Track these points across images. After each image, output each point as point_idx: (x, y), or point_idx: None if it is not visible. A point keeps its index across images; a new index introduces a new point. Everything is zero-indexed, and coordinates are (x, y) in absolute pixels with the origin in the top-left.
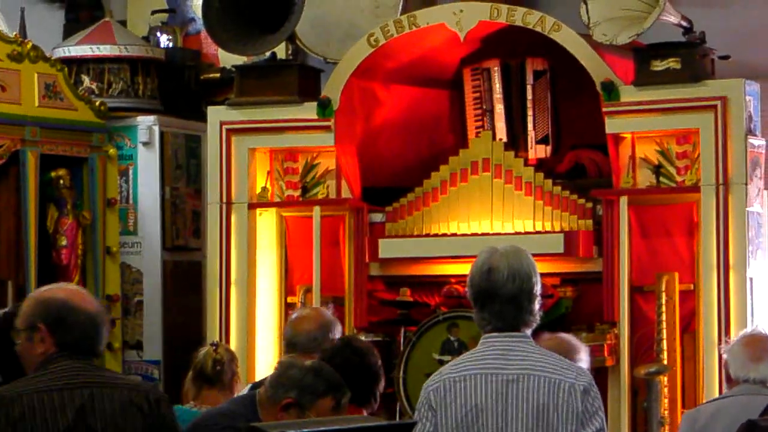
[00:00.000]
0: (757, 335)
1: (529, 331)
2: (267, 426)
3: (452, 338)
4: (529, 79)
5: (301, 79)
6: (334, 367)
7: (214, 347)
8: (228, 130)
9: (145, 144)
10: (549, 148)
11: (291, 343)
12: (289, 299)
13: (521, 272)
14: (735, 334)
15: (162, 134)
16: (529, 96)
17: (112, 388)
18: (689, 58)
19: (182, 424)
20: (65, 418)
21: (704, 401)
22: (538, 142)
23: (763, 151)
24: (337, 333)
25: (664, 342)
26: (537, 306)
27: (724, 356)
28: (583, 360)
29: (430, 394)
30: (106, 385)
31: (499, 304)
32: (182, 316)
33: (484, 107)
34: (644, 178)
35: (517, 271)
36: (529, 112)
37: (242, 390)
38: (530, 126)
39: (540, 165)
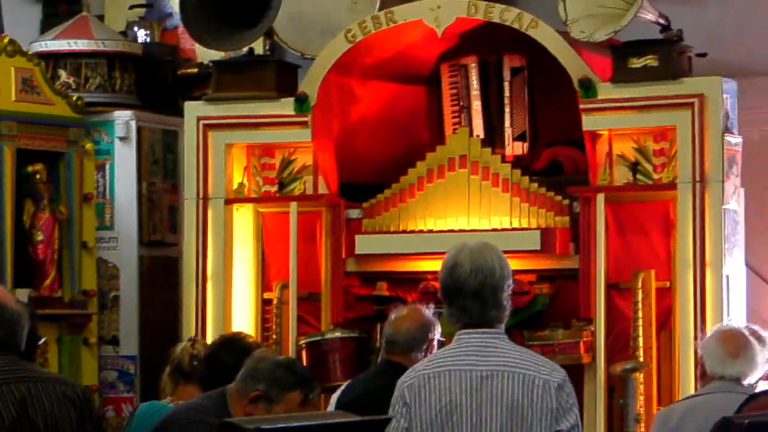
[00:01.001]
0: (732, 331)
1: (503, 327)
2: (241, 421)
3: None
4: (507, 75)
5: (278, 74)
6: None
7: (191, 342)
8: (205, 126)
9: (122, 139)
10: (526, 144)
11: (391, 342)
12: (266, 295)
13: (485, 268)
14: (710, 331)
15: (139, 129)
16: (507, 93)
17: (46, 382)
18: (666, 55)
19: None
20: (9, 412)
21: (679, 398)
22: (515, 139)
23: (740, 149)
24: (436, 333)
25: (641, 339)
26: (505, 302)
27: (699, 352)
28: None
29: (405, 390)
30: (40, 379)
31: (463, 299)
32: (158, 312)
33: (462, 104)
34: (621, 176)
35: (481, 266)
36: (507, 109)
37: None
38: (507, 123)
39: (517, 162)
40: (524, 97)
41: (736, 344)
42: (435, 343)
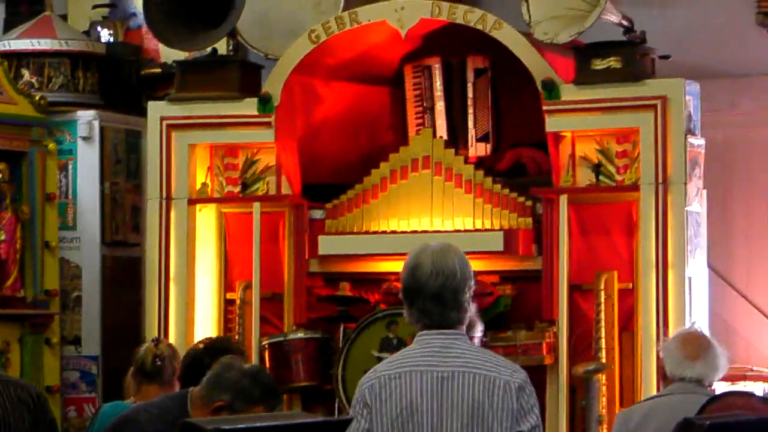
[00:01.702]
0: (693, 333)
1: (464, 329)
2: (202, 422)
3: (391, 335)
4: (470, 76)
5: (241, 75)
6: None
7: (155, 343)
8: (168, 126)
9: (85, 139)
10: (489, 146)
11: None
12: (229, 295)
13: (445, 269)
14: (672, 333)
15: (102, 129)
16: (470, 94)
17: (2, 384)
18: (630, 57)
19: None
20: None
21: (641, 400)
22: (478, 140)
23: (703, 151)
24: (478, 332)
25: (603, 340)
26: (466, 303)
27: (660, 354)
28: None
29: (365, 391)
30: None
31: (423, 300)
32: (121, 312)
33: (425, 105)
34: (584, 177)
35: (441, 268)
36: (470, 110)
37: None
38: (471, 124)
39: (480, 163)
40: (488, 99)
41: (696, 347)
42: (476, 341)
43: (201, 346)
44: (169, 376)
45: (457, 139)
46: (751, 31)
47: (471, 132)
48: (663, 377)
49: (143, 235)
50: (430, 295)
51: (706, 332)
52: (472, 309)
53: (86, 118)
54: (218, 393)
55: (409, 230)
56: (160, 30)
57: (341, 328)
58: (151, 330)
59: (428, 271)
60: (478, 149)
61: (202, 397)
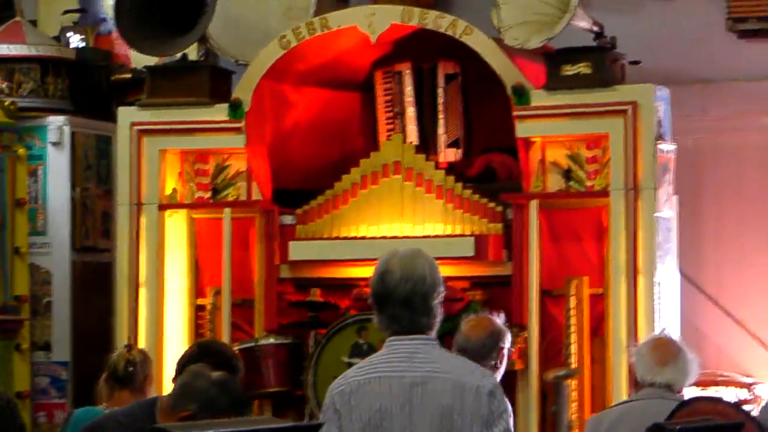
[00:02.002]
0: (663, 339)
1: (434, 334)
2: (172, 427)
3: (361, 341)
4: (441, 82)
5: (212, 80)
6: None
7: (127, 349)
8: (139, 131)
9: (55, 144)
10: (460, 151)
11: (462, 349)
12: (199, 301)
13: (414, 275)
14: (643, 339)
15: (72, 134)
16: (441, 99)
17: None
18: (600, 63)
19: None
20: None
21: (611, 405)
22: (448, 146)
23: (673, 156)
24: (507, 342)
25: (573, 346)
26: (435, 309)
27: (631, 359)
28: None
29: (336, 397)
30: None
31: (392, 306)
32: (91, 318)
33: (396, 110)
34: (554, 183)
35: (411, 273)
36: (440, 116)
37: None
38: (441, 129)
39: (451, 168)
40: (458, 104)
41: (667, 352)
42: (505, 351)
43: (195, 348)
44: (141, 382)
45: (427, 144)
46: (721, 37)
47: (441, 137)
48: (634, 383)
49: (113, 240)
50: (399, 301)
51: (677, 338)
52: (501, 318)
53: (56, 124)
54: (185, 402)
55: (379, 236)
56: (130, 35)
57: (312, 334)
58: (122, 336)
59: (397, 277)
60: (448, 155)
61: (170, 405)
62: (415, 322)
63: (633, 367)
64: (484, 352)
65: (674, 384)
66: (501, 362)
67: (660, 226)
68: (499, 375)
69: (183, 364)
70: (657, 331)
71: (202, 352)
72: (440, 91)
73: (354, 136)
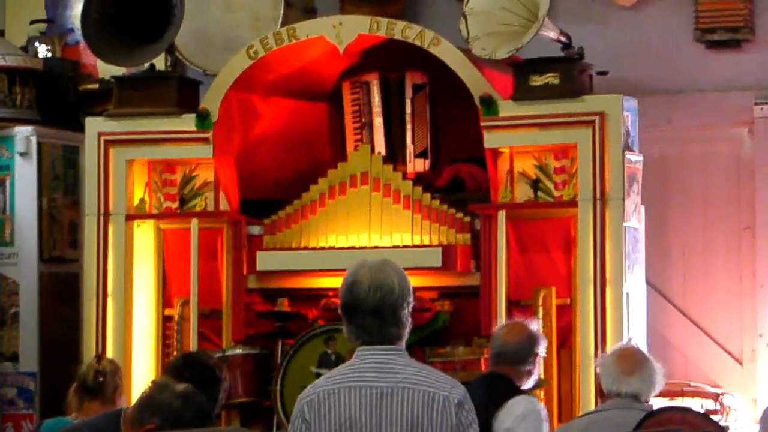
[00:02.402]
0: (629, 349)
1: (403, 344)
2: None
3: (329, 351)
4: (408, 92)
5: (179, 90)
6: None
7: (97, 359)
8: (106, 141)
9: (22, 154)
10: (428, 161)
11: (499, 353)
12: (167, 311)
13: (384, 285)
14: (609, 349)
15: (40, 145)
16: (408, 110)
17: None
18: (568, 73)
19: None
20: None
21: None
22: (416, 156)
23: (641, 167)
24: (542, 348)
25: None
26: (405, 319)
27: (597, 370)
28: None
29: (304, 407)
30: None
31: (362, 316)
32: (59, 328)
33: (363, 120)
34: (522, 193)
35: (380, 284)
36: (408, 126)
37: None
38: (409, 140)
39: (419, 179)
40: (425, 114)
41: (632, 362)
42: (539, 358)
43: (181, 359)
44: (111, 393)
45: (395, 154)
46: (688, 47)
47: (409, 148)
48: (600, 393)
49: (81, 251)
50: (368, 311)
51: (644, 348)
52: (535, 324)
53: (24, 134)
54: (149, 415)
55: (347, 246)
56: (97, 46)
57: (280, 344)
58: (89, 346)
59: (366, 287)
60: (416, 165)
61: (135, 419)
62: (385, 332)
63: (598, 378)
64: (520, 356)
65: (640, 394)
66: (535, 368)
67: (628, 237)
68: (532, 381)
69: (168, 373)
70: (622, 341)
71: (186, 362)
72: (408, 102)
73: (322, 147)
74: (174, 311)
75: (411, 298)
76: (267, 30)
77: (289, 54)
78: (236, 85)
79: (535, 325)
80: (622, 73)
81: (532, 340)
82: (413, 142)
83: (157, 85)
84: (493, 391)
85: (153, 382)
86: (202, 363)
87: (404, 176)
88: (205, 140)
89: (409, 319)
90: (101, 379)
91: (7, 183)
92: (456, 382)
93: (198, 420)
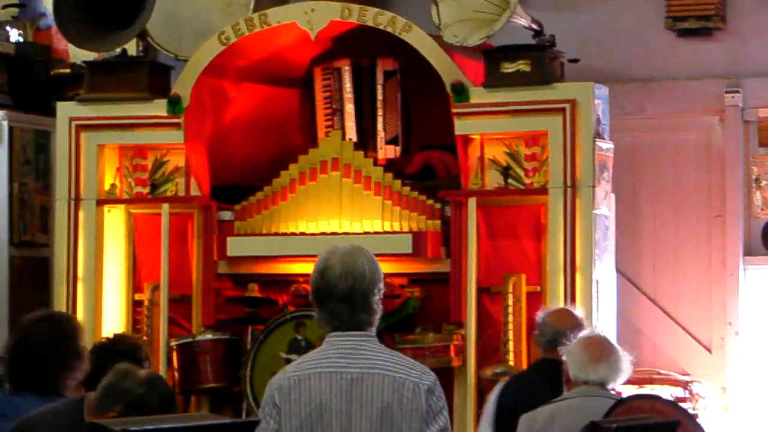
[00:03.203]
0: (595, 337)
1: (373, 330)
2: (109, 423)
3: (299, 337)
4: (380, 79)
5: (151, 76)
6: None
7: None
8: (77, 126)
9: None
10: (398, 148)
11: (553, 340)
12: (137, 296)
13: (355, 271)
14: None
15: (11, 129)
16: (380, 96)
17: None
18: (539, 60)
19: None
20: None
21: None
22: (387, 143)
23: (611, 154)
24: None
25: (511, 343)
26: (375, 305)
27: (564, 358)
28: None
29: (275, 392)
30: None
31: (333, 302)
32: (29, 312)
33: (334, 107)
34: (493, 180)
35: (351, 270)
36: (379, 112)
37: None
38: (380, 126)
39: (389, 165)
40: (397, 101)
41: (599, 350)
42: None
43: (105, 340)
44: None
45: (366, 141)
46: (660, 35)
47: (380, 134)
48: (566, 380)
49: (52, 235)
50: (339, 297)
51: (613, 335)
52: (579, 311)
53: None
54: (112, 402)
55: (318, 232)
56: (69, 30)
57: (249, 330)
58: None
59: (337, 273)
60: (387, 152)
61: (98, 406)
62: (355, 318)
63: (565, 365)
64: (567, 342)
65: (607, 381)
66: None
67: (598, 224)
68: None
69: (93, 367)
70: (589, 330)
71: (113, 343)
72: (379, 88)
73: (293, 133)
74: (144, 296)
75: (382, 285)
76: (239, 16)
77: (260, 40)
78: (208, 70)
79: (578, 312)
80: (593, 61)
81: (581, 325)
82: (384, 128)
83: (129, 70)
84: (551, 377)
85: (115, 368)
86: (124, 344)
87: (375, 163)
88: (177, 125)
89: (380, 306)
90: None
91: None
92: (426, 368)
93: (163, 406)
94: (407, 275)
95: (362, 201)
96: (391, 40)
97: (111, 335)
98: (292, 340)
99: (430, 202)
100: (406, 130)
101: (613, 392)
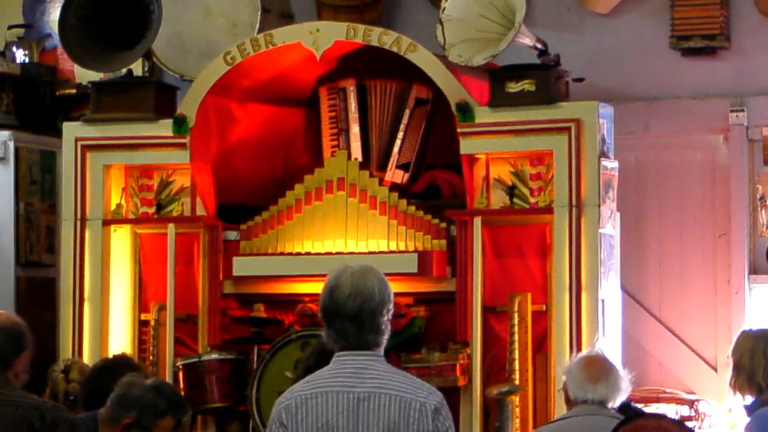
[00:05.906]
0: (594, 356)
1: (381, 351)
2: None
3: None
4: (410, 103)
5: (157, 96)
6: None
7: (65, 376)
8: (83, 147)
9: None
10: (407, 175)
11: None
12: (143, 316)
13: (364, 291)
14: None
15: (17, 150)
16: (405, 120)
17: (12, 406)
18: (544, 80)
19: None
20: None
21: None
22: (398, 167)
23: (616, 173)
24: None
25: (516, 362)
26: (384, 326)
27: (563, 377)
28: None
29: (282, 411)
30: (5, 402)
31: (341, 321)
32: (36, 333)
33: (340, 126)
34: (498, 199)
35: (361, 290)
36: (400, 135)
37: None
38: (396, 149)
39: (395, 185)
40: (420, 129)
41: (597, 369)
42: None
43: (101, 368)
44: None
45: (370, 161)
46: (664, 54)
47: (394, 156)
48: (566, 400)
49: (58, 255)
50: (348, 317)
51: (619, 354)
52: None
53: (1, 139)
54: (125, 411)
55: (323, 252)
56: (75, 51)
57: (255, 350)
58: (66, 351)
59: (347, 293)
60: (395, 175)
61: (111, 417)
62: (363, 338)
63: (564, 385)
64: None
65: (607, 400)
66: None
67: (603, 243)
68: None
69: (90, 389)
70: (588, 349)
71: (104, 368)
72: (407, 112)
73: (298, 152)
74: (150, 316)
75: (391, 306)
76: (244, 36)
77: (266, 60)
78: (213, 90)
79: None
80: (598, 80)
81: None
82: (399, 151)
83: (135, 91)
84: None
85: (121, 381)
86: (124, 367)
87: (381, 182)
88: (182, 146)
89: (389, 326)
90: (72, 398)
91: None
92: (433, 388)
93: (172, 407)
94: (413, 294)
95: (368, 220)
96: (396, 59)
97: (110, 356)
98: (298, 360)
99: (436, 221)
100: (419, 159)
101: (613, 411)
